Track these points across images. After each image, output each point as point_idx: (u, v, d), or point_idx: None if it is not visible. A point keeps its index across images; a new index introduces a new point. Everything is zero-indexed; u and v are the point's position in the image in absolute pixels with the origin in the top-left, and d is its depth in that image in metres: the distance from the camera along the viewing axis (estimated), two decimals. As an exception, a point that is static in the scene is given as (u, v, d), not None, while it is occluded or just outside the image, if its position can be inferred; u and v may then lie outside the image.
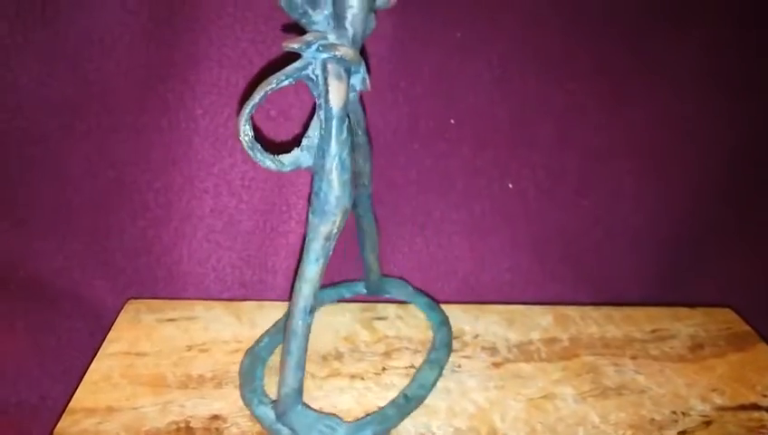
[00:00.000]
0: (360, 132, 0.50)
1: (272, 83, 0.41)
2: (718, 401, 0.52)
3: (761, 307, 0.68)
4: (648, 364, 0.56)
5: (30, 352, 0.57)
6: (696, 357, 0.57)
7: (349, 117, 0.45)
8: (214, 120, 0.61)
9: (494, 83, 0.65)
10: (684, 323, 0.62)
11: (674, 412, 0.51)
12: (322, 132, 0.43)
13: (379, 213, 0.66)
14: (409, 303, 0.62)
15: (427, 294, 0.63)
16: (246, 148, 0.41)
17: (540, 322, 0.61)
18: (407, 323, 0.60)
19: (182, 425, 0.47)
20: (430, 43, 0.63)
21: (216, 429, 0.46)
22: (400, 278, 0.65)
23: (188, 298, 0.63)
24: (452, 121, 0.65)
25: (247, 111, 0.41)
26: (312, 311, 0.44)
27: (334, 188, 0.43)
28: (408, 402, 0.49)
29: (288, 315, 0.45)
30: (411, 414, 0.49)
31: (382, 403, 0.49)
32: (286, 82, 0.42)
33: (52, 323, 0.61)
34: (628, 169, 0.69)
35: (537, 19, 0.64)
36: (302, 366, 0.45)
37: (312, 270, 0.44)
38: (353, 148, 0.48)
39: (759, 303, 0.69)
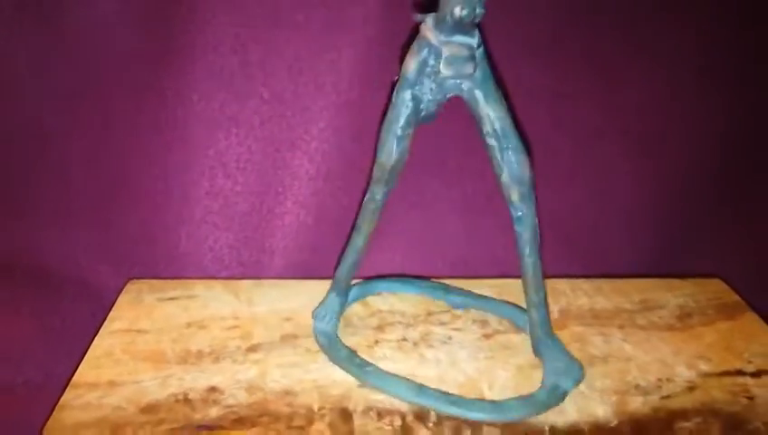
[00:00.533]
0: (485, 131, 0.47)
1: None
2: (704, 367, 0.53)
3: (753, 282, 0.68)
4: (635, 333, 0.57)
5: (35, 335, 0.59)
6: (684, 326, 0.59)
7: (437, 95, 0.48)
8: (209, 104, 0.63)
9: None
10: (673, 294, 0.63)
11: (659, 379, 0.52)
12: None
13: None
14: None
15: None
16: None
17: (530, 295, 0.62)
18: (400, 298, 0.61)
19: (181, 397, 0.48)
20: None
21: (214, 400, 0.48)
22: (573, 359, 0.51)
23: (188, 277, 0.64)
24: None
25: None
26: (359, 230, 0.53)
27: (378, 141, 0.49)
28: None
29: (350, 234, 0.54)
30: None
31: (374, 374, 0.51)
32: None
33: (56, 307, 0.63)
34: (619, 151, 0.70)
35: (528, 2, 0.65)
36: (346, 265, 0.54)
37: (365, 198, 0.52)
38: (486, 149, 0.48)
39: (751, 278, 0.69)
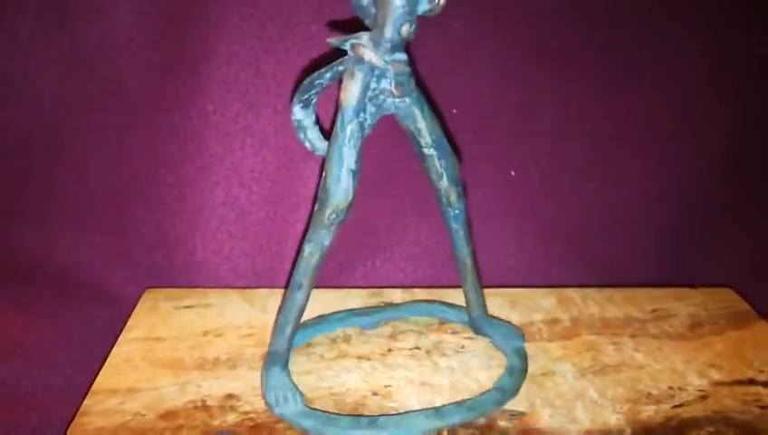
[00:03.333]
0: (423, 143, 0.49)
1: (315, 75, 0.47)
2: (716, 376, 0.54)
3: (764, 292, 0.68)
4: (648, 342, 0.58)
5: (56, 339, 0.60)
6: (695, 335, 0.59)
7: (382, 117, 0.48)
8: (224, 115, 0.64)
9: (496, 73, 0.67)
10: (684, 303, 0.64)
11: (671, 387, 0.52)
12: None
13: (382, 202, 0.68)
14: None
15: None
16: (294, 127, 0.49)
17: (542, 304, 0.63)
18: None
19: (199, 403, 0.49)
20: (430, 34, 0.65)
21: (231, 406, 0.49)
22: (513, 325, 0.58)
23: (204, 286, 0.65)
24: (454, 111, 0.67)
25: (296, 96, 0.48)
26: (300, 287, 0.49)
27: (329, 180, 0.46)
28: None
29: (287, 288, 0.50)
30: (416, 391, 0.51)
31: (388, 382, 0.52)
32: (327, 75, 0.47)
33: (76, 313, 0.64)
34: (630, 155, 0.71)
35: (538, 7, 0.65)
36: (285, 335, 0.50)
37: (305, 249, 0.48)
38: (422, 159, 0.50)
39: (762, 287, 0.69)
